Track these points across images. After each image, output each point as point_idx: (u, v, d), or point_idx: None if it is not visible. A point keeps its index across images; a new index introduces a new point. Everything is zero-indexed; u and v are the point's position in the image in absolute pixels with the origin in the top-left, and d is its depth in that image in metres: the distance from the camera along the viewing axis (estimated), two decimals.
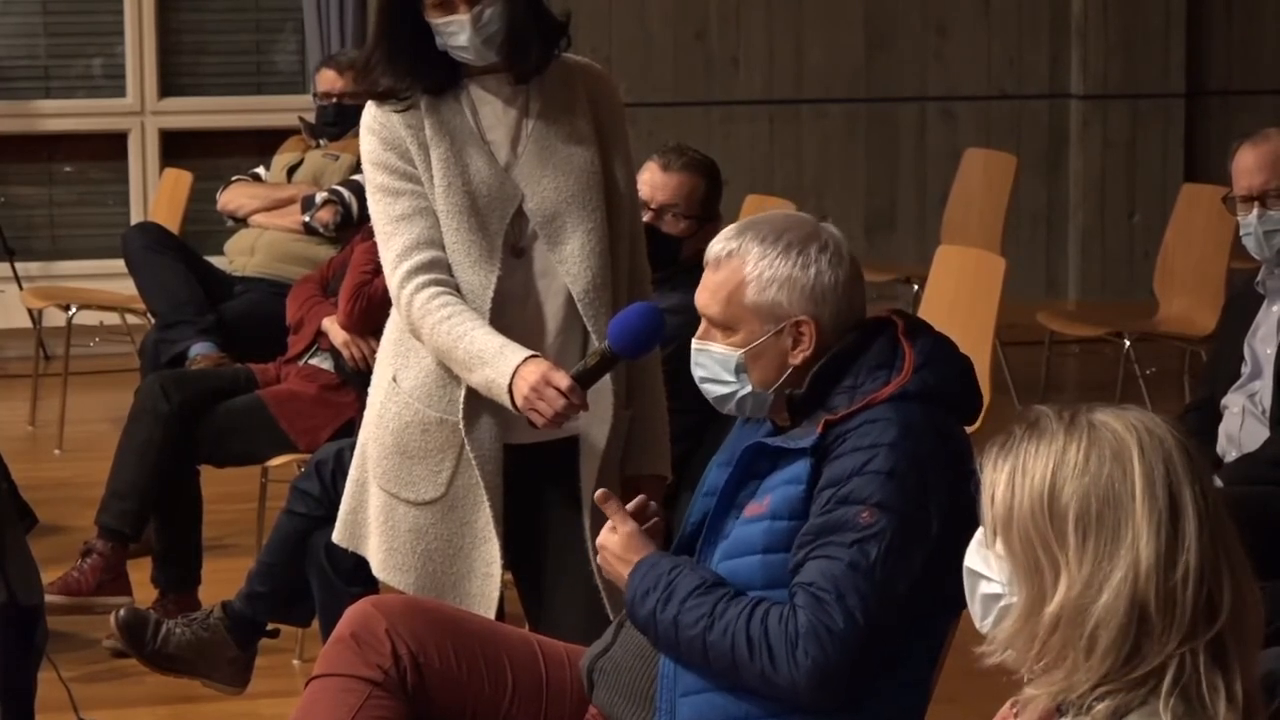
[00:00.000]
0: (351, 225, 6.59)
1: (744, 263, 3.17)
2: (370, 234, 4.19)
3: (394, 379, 3.89)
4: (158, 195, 8.35)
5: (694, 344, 3.25)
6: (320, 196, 6.76)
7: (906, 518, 2.97)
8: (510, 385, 3.65)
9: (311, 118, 7.16)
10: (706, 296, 3.21)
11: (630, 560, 3.15)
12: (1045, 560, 2.18)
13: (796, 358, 3.17)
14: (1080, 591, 2.15)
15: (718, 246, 3.21)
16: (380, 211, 3.85)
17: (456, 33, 3.77)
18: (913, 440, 3.02)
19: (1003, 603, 2.25)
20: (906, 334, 3.17)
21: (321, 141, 7.10)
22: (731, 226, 3.26)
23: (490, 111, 3.85)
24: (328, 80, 7.03)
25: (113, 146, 9.62)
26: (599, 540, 3.24)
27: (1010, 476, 2.22)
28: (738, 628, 2.98)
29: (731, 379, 3.20)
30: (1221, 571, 2.15)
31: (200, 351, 6.40)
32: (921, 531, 2.98)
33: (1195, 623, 2.13)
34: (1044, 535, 2.19)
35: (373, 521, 3.93)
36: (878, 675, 3.03)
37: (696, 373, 3.25)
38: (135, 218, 9.15)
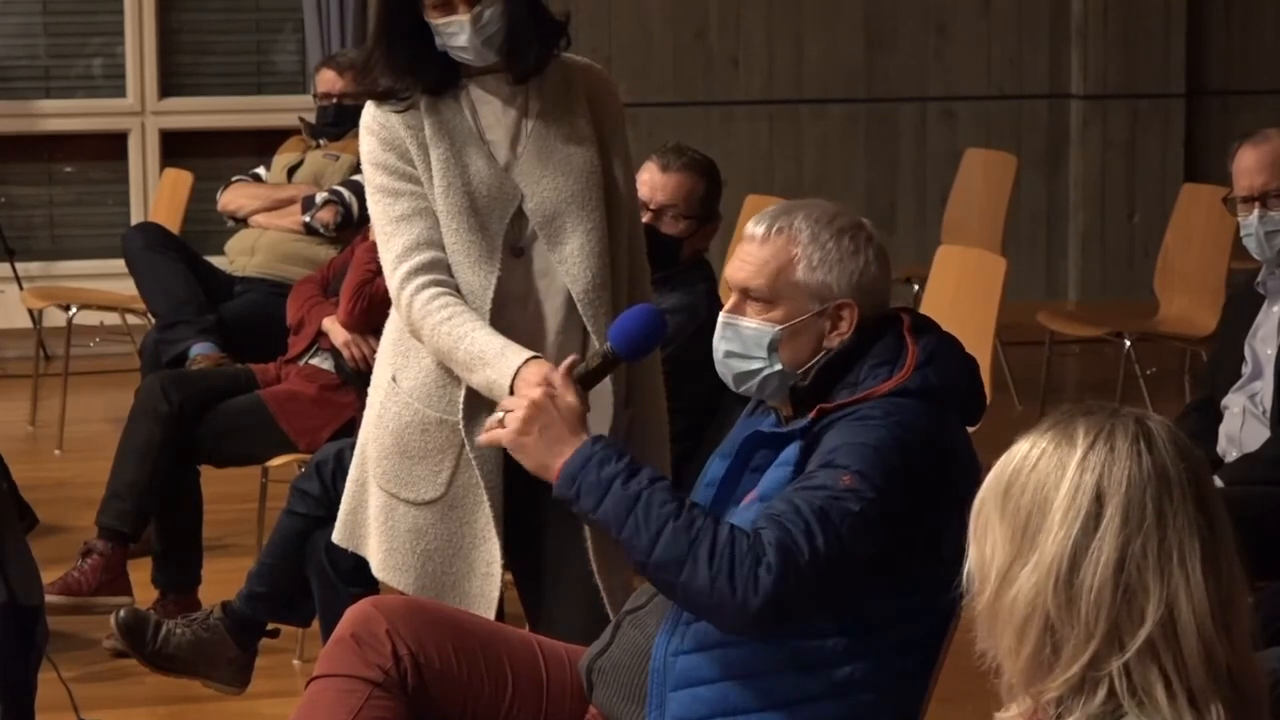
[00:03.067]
0: (352, 225, 6.60)
1: (796, 240, 3.16)
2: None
3: (393, 379, 3.89)
4: (158, 195, 8.35)
5: (722, 317, 3.23)
6: (321, 197, 6.77)
7: (884, 493, 2.96)
8: (512, 387, 3.65)
9: (311, 118, 7.17)
10: (750, 270, 3.19)
11: (580, 428, 3.13)
12: (988, 544, 2.20)
13: (833, 340, 3.16)
14: (998, 584, 2.17)
15: (764, 222, 3.20)
16: (380, 212, 3.84)
17: (456, 33, 3.77)
18: (904, 428, 3.02)
19: None
20: (912, 331, 3.17)
21: (321, 141, 7.10)
22: (775, 206, 3.26)
23: (490, 111, 3.85)
24: (327, 81, 7.04)
25: (113, 146, 9.62)
26: (532, 393, 3.17)
27: (1005, 454, 2.23)
28: (704, 527, 2.94)
29: (761, 355, 3.18)
30: (1151, 587, 2.14)
31: (200, 351, 6.40)
32: (895, 512, 2.96)
33: (1115, 630, 2.13)
34: (988, 519, 2.21)
35: (372, 521, 3.93)
36: (878, 668, 3.03)
37: (721, 347, 3.23)
38: (135, 218, 9.15)
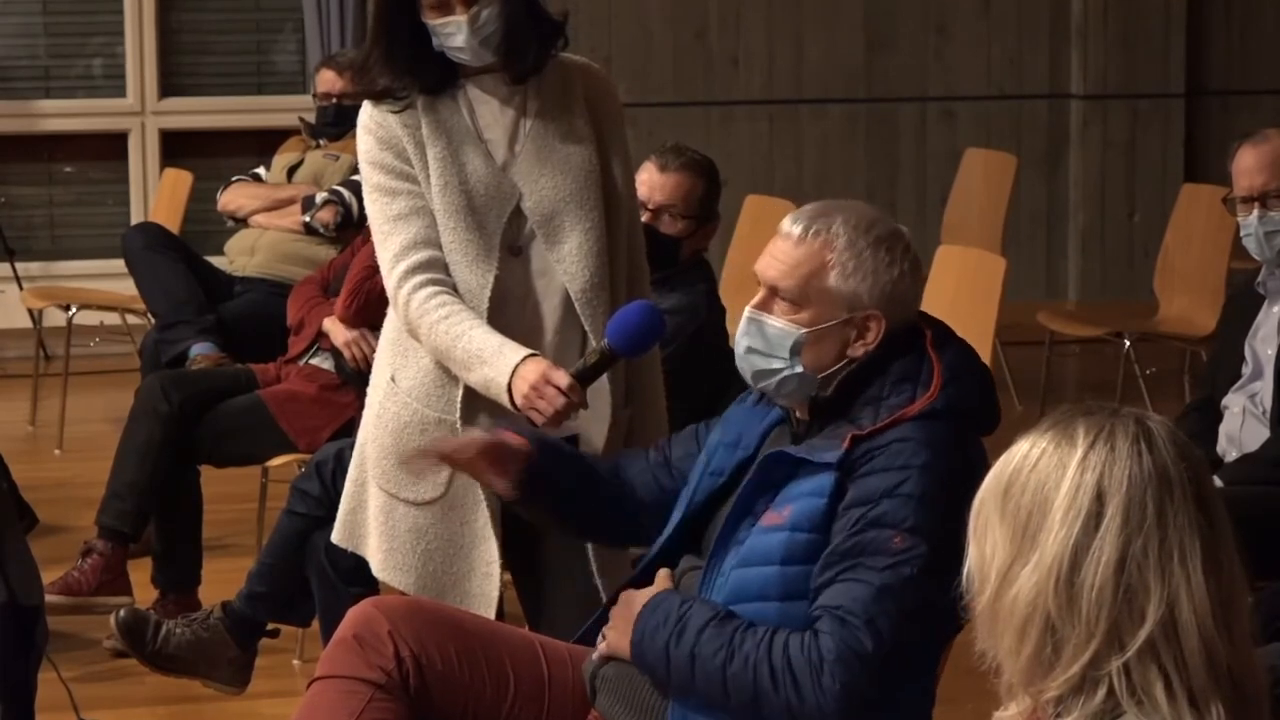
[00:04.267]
0: (352, 225, 6.59)
1: (832, 245, 3.13)
2: None
3: (392, 379, 3.89)
4: (158, 195, 8.35)
5: (748, 312, 3.20)
6: (320, 197, 6.77)
7: (938, 542, 2.94)
8: (510, 384, 3.65)
9: (311, 118, 7.17)
10: (781, 268, 3.15)
11: (634, 608, 3.11)
12: (988, 544, 2.20)
13: (857, 350, 3.14)
14: (999, 584, 2.17)
15: (801, 222, 3.16)
16: (377, 211, 3.84)
17: (454, 34, 3.77)
18: (943, 462, 3.00)
19: None
20: (934, 345, 3.14)
21: (321, 142, 7.10)
22: (813, 205, 3.22)
23: (488, 111, 3.85)
24: (327, 81, 7.04)
25: (113, 146, 9.62)
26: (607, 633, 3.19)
27: (1005, 454, 2.23)
28: (759, 657, 2.95)
29: (784, 357, 3.15)
30: (1152, 586, 2.14)
31: (200, 351, 6.40)
32: (952, 555, 2.94)
33: (1115, 629, 2.13)
34: (988, 519, 2.21)
35: (372, 522, 3.93)
36: (895, 689, 3.02)
37: (743, 341, 3.19)
38: (135, 218, 9.15)
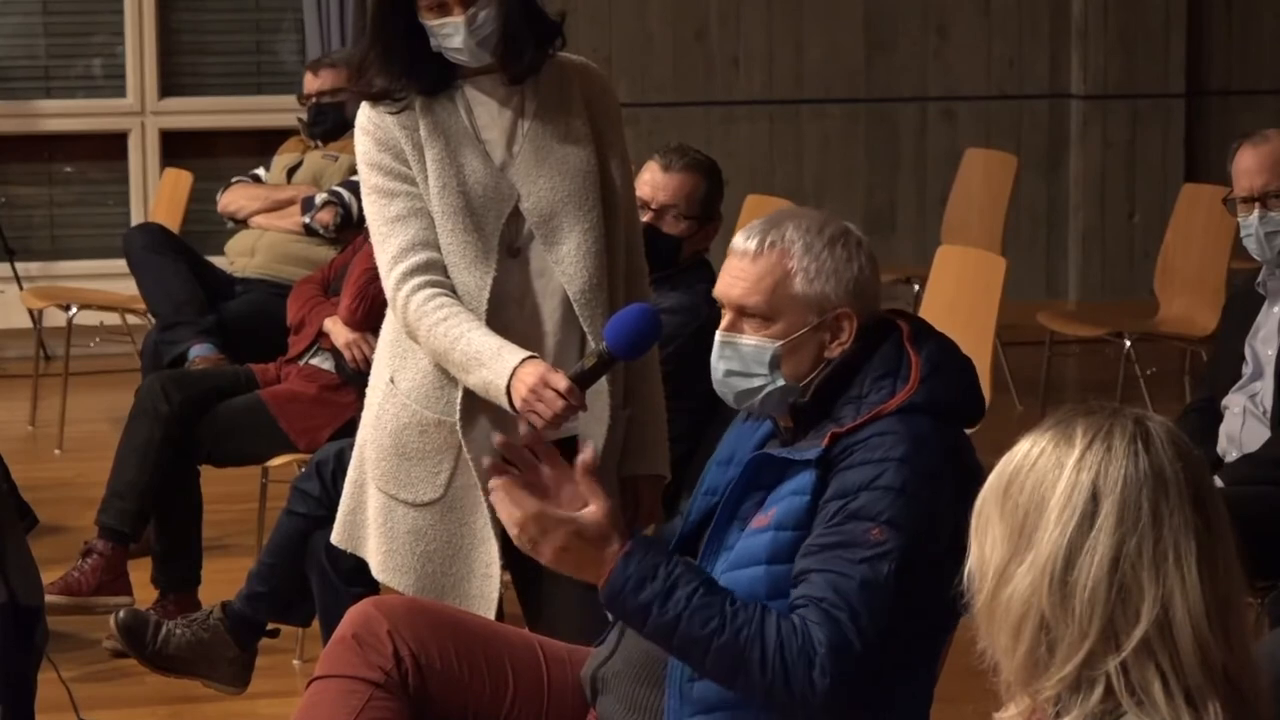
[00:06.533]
0: (351, 226, 6.59)
1: (790, 253, 3.13)
2: None
3: (391, 380, 3.89)
4: (158, 195, 8.35)
5: (719, 336, 3.19)
6: (320, 197, 6.77)
7: (916, 535, 2.94)
8: (509, 387, 3.64)
9: None
10: (744, 286, 3.15)
11: (611, 541, 3.00)
12: (987, 542, 2.20)
13: (834, 350, 3.13)
14: (996, 583, 2.18)
15: (754, 237, 3.15)
16: (375, 213, 3.84)
17: (451, 34, 3.77)
18: (923, 455, 2.99)
19: None
20: (911, 340, 3.14)
21: (318, 142, 7.11)
22: (760, 220, 3.22)
23: (485, 112, 3.85)
24: (307, 83, 7.08)
25: (113, 146, 9.63)
26: (579, 517, 3.02)
27: (1007, 453, 2.24)
28: (750, 635, 2.92)
29: (763, 372, 3.15)
30: (1146, 586, 2.14)
31: (200, 354, 6.41)
32: (931, 548, 2.93)
33: (1110, 629, 2.13)
34: (988, 518, 2.21)
35: (371, 523, 3.93)
36: (889, 687, 3.01)
37: (721, 366, 3.19)
38: (135, 218, 9.16)
